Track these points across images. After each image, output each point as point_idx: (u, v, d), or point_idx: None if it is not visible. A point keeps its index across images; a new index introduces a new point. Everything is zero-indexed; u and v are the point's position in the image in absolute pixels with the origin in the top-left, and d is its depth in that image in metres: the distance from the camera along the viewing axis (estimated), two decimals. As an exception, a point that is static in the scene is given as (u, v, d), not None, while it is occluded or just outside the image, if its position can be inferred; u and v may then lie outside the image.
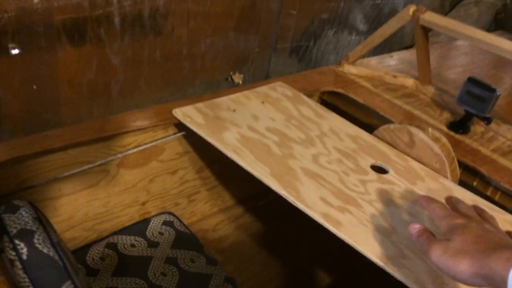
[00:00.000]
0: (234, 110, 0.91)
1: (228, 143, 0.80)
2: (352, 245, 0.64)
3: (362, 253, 0.63)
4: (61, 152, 0.78)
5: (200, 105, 0.90)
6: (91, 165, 0.83)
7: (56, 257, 0.60)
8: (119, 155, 0.86)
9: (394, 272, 0.61)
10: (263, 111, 0.93)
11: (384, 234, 0.67)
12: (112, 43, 1.06)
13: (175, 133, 0.93)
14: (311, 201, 0.71)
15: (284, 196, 0.71)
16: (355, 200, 0.73)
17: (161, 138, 0.92)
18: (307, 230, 1.17)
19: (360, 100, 1.09)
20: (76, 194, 0.85)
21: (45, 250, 0.59)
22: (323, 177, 0.77)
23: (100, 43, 1.04)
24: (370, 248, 0.64)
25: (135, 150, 0.88)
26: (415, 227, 0.57)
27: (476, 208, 0.61)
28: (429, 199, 0.61)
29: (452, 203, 0.62)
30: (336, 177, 0.77)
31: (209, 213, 1.15)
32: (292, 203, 0.70)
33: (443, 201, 0.62)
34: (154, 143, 0.90)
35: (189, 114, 0.86)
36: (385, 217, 0.71)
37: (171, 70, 1.23)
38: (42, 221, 0.66)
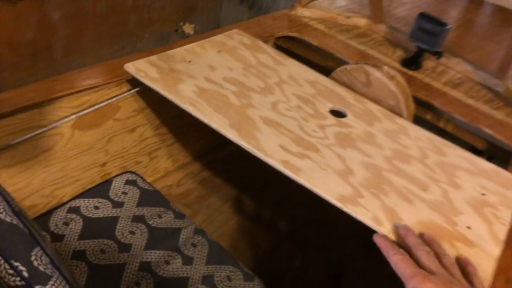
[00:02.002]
0: (190, 61, 0.88)
1: (184, 96, 0.78)
2: (311, 189, 0.66)
3: (321, 196, 0.65)
4: (10, 117, 0.73)
5: (153, 58, 0.86)
6: (44, 129, 0.79)
7: (21, 225, 0.58)
8: (73, 116, 0.82)
9: (351, 211, 0.63)
10: (220, 61, 0.90)
11: (342, 176, 0.69)
12: (51, -2, 0.98)
13: (129, 90, 0.89)
14: (270, 149, 0.71)
15: (243, 146, 0.71)
16: (314, 145, 0.74)
17: (116, 96, 0.88)
18: (270, 177, 1.19)
19: (315, 43, 1.08)
20: (31, 160, 0.81)
21: (8, 219, 0.57)
22: (282, 124, 0.77)
23: (38, -2, 0.96)
24: (328, 191, 0.66)
25: (89, 110, 0.84)
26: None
27: (428, 241, 0.59)
28: (388, 248, 0.57)
29: (409, 243, 0.58)
30: (295, 124, 0.78)
31: (172, 169, 1.14)
32: (251, 152, 0.70)
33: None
34: (108, 102, 0.87)
35: (142, 68, 0.83)
36: (343, 160, 0.72)
37: (117, 24, 1.16)
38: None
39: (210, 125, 0.74)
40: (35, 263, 0.53)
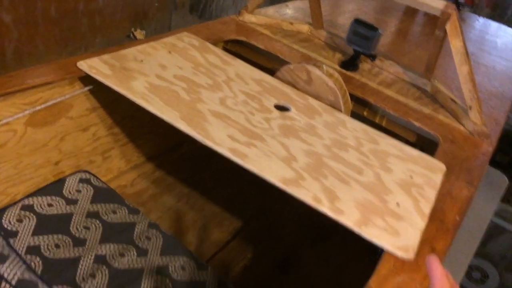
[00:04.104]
0: (142, 61, 0.92)
1: (137, 92, 0.82)
2: (257, 174, 0.71)
3: (266, 179, 0.71)
4: (-40, 113, 0.74)
5: (106, 56, 0.90)
6: (-5, 125, 0.80)
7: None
8: (26, 112, 0.84)
9: (294, 192, 0.69)
10: (170, 60, 0.95)
11: (286, 161, 0.75)
12: (2, 0, 0.99)
13: (82, 88, 0.92)
14: (219, 138, 0.76)
15: (193, 136, 0.75)
16: (260, 135, 0.80)
17: (68, 93, 0.91)
18: (220, 175, 1.25)
19: (261, 46, 1.16)
20: (-17, 157, 0.82)
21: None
22: (230, 117, 0.82)
23: (-14, 0, 0.97)
24: (273, 174, 0.72)
25: (42, 106, 0.86)
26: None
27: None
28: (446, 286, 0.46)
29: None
30: (242, 116, 0.84)
31: (126, 169, 1.17)
32: (201, 142, 0.75)
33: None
34: (61, 99, 0.89)
35: (95, 66, 0.86)
36: (286, 148, 0.79)
37: (69, 28, 1.19)
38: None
39: (161, 117, 0.78)
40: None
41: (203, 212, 1.15)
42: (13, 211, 0.89)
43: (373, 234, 0.65)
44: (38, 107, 0.85)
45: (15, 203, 0.90)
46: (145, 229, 0.95)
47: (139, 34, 1.41)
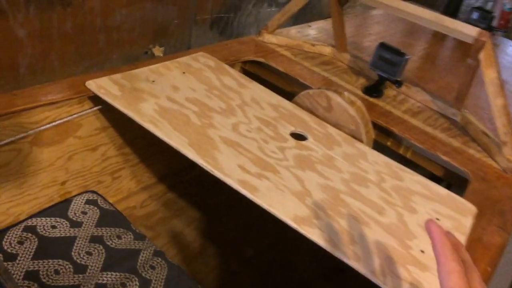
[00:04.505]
0: (153, 81, 0.89)
1: (145, 114, 0.78)
2: (267, 209, 0.66)
3: (277, 216, 0.65)
4: (-38, 131, 0.72)
5: (116, 76, 0.86)
6: (0, 143, 0.77)
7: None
8: (31, 132, 0.81)
9: (306, 233, 0.64)
10: (183, 82, 0.91)
11: (299, 197, 0.70)
12: (17, 14, 0.97)
13: (91, 108, 0.89)
14: (229, 168, 0.71)
15: (201, 165, 0.71)
16: (273, 166, 0.75)
17: (77, 113, 0.87)
18: (234, 201, 1.19)
19: (281, 69, 1.11)
20: (-14, 176, 0.79)
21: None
22: (242, 145, 0.78)
23: (2, 14, 0.96)
24: (284, 211, 0.66)
25: (48, 126, 0.83)
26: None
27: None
28: (448, 249, 0.42)
29: (465, 259, 0.44)
30: (255, 144, 0.79)
31: (135, 190, 1.13)
32: (210, 171, 0.70)
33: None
34: (69, 118, 0.86)
35: (104, 85, 0.83)
36: (301, 182, 0.73)
37: (85, 44, 1.16)
38: None
39: (169, 143, 0.74)
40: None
41: (213, 239, 1.10)
42: (15, 232, 0.85)
43: (394, 286, 0.59)
44: (44, 127, 0.82)
45: (17, 223, 0.87)
46: (150, 257, 0.90)
47: (157, 50, 1.39)
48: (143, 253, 0.90)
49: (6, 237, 0.84)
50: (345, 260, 0.61)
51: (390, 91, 1.12)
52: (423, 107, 1.10)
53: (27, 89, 0.80)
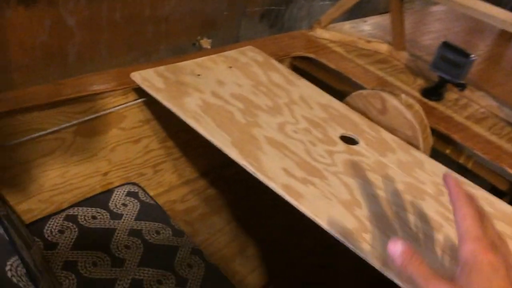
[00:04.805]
0: (199, 75, 0.85)
1: (188, 110, 0.75)
2: (312, 218, 0.61)
3: (322, 227, 0.61)
4: (9, 118, 0.71)
5: (161, 68, 0.84)
6: (43, 132, 0.77)
7: (1, 231, 0.55)
8: (75, 122, 0.80)
9: (354, 247, 0.58)
10: (229, 77, 0.88)
11: (347, 207, 0.64)
12: (67, 3, 0.97)
13: (136, 99, 0.87)
14: (273, 172, 0.67)
15: (243, 166, 0.67)
16: (320, 171, 0.70)
17: (121, 104, 0.86)
18: (276, 201, 1.15)
19: (332, 66, 1.05)
20: (29, 163, 0.79)
21: (-13, 225, 0.54)
22: (288, 147, 0.73)
23: (53, 2, 0.96)
24: (331, 222, 0.61)
25: (92, 116, 0.82)
26: (397, 247, 0.42)
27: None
28: (462, 197, 0.44)
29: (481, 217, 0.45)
30: (301, 147, 0.74)
31: (177, 184, 1.11)
32: (252, 173, 0.67)
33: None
34: (113, 109, 0.85)
35: (148, 78, 0.80)
36: (349, 190, 0.68)
37: (133, 34, 1.15)
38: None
39: (211, 141, 0.71)
40: (9, 274, 0.50)
41: (254, 239, 1.06)
42: (57, 221, 0.86)
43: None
44: (88, 117, 0.81)
45: (59, 212, 0.87)
46: (188, 255, 0.88)
47: (205, 42, 1.36)
48: (181, 251, 0.88)
49: (47, 225, 0.84)
50: (398, 282, 0.55)
51: (451, 94, 1.04)
52: (488, 114, 1.01)
53: (72, 79, 0.80)
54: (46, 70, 1.04)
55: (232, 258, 0.99)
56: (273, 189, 0.66)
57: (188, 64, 0.88)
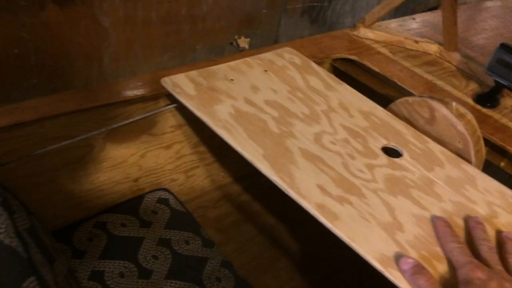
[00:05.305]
0: (232, 80, 0.81)
1: (219, 118, 0.71)
2: (348, 243, 0.56)
3: (359, 253, 0.55)
4: (37, 125, 0.70)
5: (193, 73, 0.80)
6: (72, 140, 0.75)
7: (20, 248, 0.54)
8: (104, 129, 0.78)
9: (394, 279, 0.53)
10: (264, 81, 0.83)
11: (388, 230, 0.58)
12: (102, 3, 0.96)
13: (167, 105, 0.84)
14: (306, 189, 0.62)
15: (275, 182, 0.62)
16: (359, 188, 0.64)
17: (152, 110, 0.83)
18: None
19: (376, 69, 0.98)
20: (58, 170, 0.78)
21: (6, 241, 0.53)
22: (324, 160, 0.67)
23: (88, 2, 0.94)
24: (369, 247, 0.55)
25: (122, 123, 0.80)
26: (408, 262, 0.52)
27: (505, 238, 0.58)
28: (447, 234, 0.56)
29: (475, 236, 0.57)
30: (339, 160, 0.68)
31: (209, 189, 1.08)
32: (284, 190, 0.62)
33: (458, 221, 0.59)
34: (144, 115, 0.82)
35: (179, 83, 0.77)
36: (391, 210, 0.61)
37: (169, 33, 1.13)
38: (9, 205, 0.59)
39: (242, 153, 0.67)
40: (23, 297, 0.48)
41: (287, 251, 1.01)
42: (86, 228, 0.84)
43: None
44: (119, 124, 0.79)
45: (89, 218, 0.86)
46: (217, 267, 0.84)
47: (243, 42, 1.32)
48: (210, 262, 0.85)
49: (77, 232, 0.83)
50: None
51: (508, 100, 0.94)
52: (550, 123, 0.91)
53: (102, 85, 0.78)
54: (81, 71, 1.03)
55: (263, 270, 0.95)
56: (306, 208, 0.61)
57: (221, 68, 0.84)
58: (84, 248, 0.81)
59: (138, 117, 0.81)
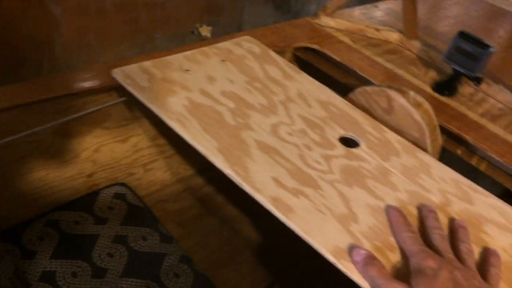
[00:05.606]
0: (188, 70, 0.78)
1: (173, 111, 0.68)
2: (303, 237, 0.55)
3: (313, 247, 0.54)
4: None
5: (147, 64, 0.77)
6: (18, 135, 0.71)
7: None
8: (53, 123, 0.75)
9: (347, 270, 0.52)
10: (222, 71, 0.80)
11: (343, 222, 0.57)
12: (51, -10, 0.91)
13: (121, 97, 0.81)
14: (261, 182, 0.60)
15: (229, 176, 0.61)
16: (315, 180, 0.63)
17: (105, 102, 0.80)
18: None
19: (337, 58, 0.97)
20: (5, 167, 0.74)
21: None
22: (281, 152, 0.66)
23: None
24: (323, 239, 0.54)
25: (72, 116, 0.76)
26: (361, 253, 0.52)
27: (457, 226, 0.59)
28: (400, 224, 0.56)
29: (427, 224, 0.58)
30: (296, 152, 0.67)
31: (170, 182, 1.05)
32: (238, 184, 0.60)
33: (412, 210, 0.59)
34: (95, 109, 0.78)
35: (131, 75, 0.74)
36: (346, 201, 0.61)
37: (126, 22, 1.08)
38: None
39: (196, 147, 0.65)
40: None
41: (249, 243, 1.00)
42: (37, 227, 0.81)
43: None
44: (67, 118, 0.75)
45: (40, 216, 0.82)
46: (175, 263, 0.82)
47: (205, 30, 1.28)
48: (168, 258, 0.83)
49: (27, 231, 0.79)
50: None
51: (466, 88, 0.95)
52: (506, 110, 0.92)
53: (49, 77, 0.74)
54: (33, 61, 0.98)
55: (224, 263, 0.93)
56: (260, 202, 0.59)
57: (177, 58, 0.81)
58: (35, 248, 0.77)
59: (90, 110, 0.78)
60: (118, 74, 0.74)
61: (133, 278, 0.77)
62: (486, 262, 0.55)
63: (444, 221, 0.61)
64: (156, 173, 1.00)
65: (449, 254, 0.53)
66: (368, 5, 1.24)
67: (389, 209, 0.60)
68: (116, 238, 0.83)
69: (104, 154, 0.87)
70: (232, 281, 0.91)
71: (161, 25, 1.15)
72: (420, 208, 0.62)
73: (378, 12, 1.22)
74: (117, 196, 0.90)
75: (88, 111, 0.78)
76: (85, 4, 0.97)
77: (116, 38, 1.09)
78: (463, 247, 0.55)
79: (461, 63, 0.88)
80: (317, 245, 0.55)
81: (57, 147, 0.78)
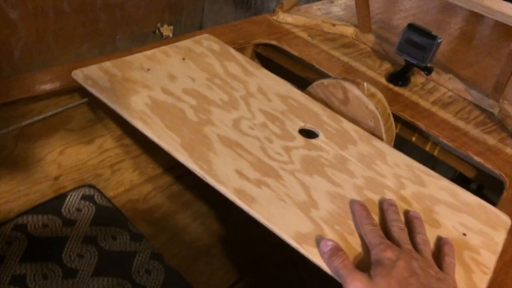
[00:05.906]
0: (148, 69, 0.80)
1: (135, 110, 0.70)
2: (265, 224, 0.57)
3: (276, 233, 0.57)
4: None
5: (107, 64, 0.78)
6: (-20, 141, 0.71)
7: None
8: (15, 127, 0.74)
9: (308, 254, 0.55)
10: (182, 70, 0.82)
11: (304, 209, 0.60)
12: (7, -6, 0.90)
13: (82, 98, 0.81)
14: (225, 174, 0.63)
15: (193, 170, 0.63)
16: (276, 171, 0.65)
17: (66, 105, 0.80)
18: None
19: (295, 53, 1.00)
20: (-34, 174, 0.74)
21: None
22: (243, 145, 0.68)
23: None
24: (285, 226, 0.57)
25: (35, 119, 0.77)
26: (327, 244, 0.55)
27: (411, 218, 0.61)
28: (363, 218, 0.59)
29: (387, 218, 0.61)
30: (257, 144, 0.69)
31: (138, 182, 1.06)
32: (202, 178, 0.62)
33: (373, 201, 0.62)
34: (57, 111, 0.79)
35: (92, 76, 0.75)
36: (307, 189, 0.64)
37: (85, 24, 1.08)
38: None
39: (159, 144, 0.66)
40: None
41: (220, 237, 1.02)
42: (4, 232, 0.81)
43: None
44: (28, 121, 0.75)
45: (7, 222, 0.82)
46: (146, 260, 0.84)
47: (166, 30, 1.29)
48: (139, 256, 0.84)
49: (-7, 236, 0.79)
50: None
51: (418, 78, 1.00)
52: (456, 97, 0.97)
53: (9, 79, 0.73)
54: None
55: (196, 259, 0.95)
56: (224, 194, 0.62)
57: (137, 58, 0.82)
58: (3, 253, 0.77)
59: (52, 112, 0.78)
60: (79, 75, 0.74)
61: (105, 276, 0.78)
62: (440, 252, 0.57)
63: (399, 204, 0.65)
64: (124, 173, 1.01)
65: (407, 246, 0.55)
66: (324, 1, 1.28)
67: (353, 203, 0.62)
68: (86, 239, 0.83)
69: (70, 156, 0.87)
70: (204, 275, 0.93)
71: (122, 26, 1.16)
72: (381, 201, 0.64)
73: (334, 7, 1.26)
74: (85, 197, 0.90)
75: (50, 113, 0.78)
76: (42, 6, 0.96)
77: (77, 40, 1.08)
78: (419, 238, 0.57)
79: (412, 54, 0.93)
80: (279, 231, 0.57)
81: (20, 151, 0.78)
